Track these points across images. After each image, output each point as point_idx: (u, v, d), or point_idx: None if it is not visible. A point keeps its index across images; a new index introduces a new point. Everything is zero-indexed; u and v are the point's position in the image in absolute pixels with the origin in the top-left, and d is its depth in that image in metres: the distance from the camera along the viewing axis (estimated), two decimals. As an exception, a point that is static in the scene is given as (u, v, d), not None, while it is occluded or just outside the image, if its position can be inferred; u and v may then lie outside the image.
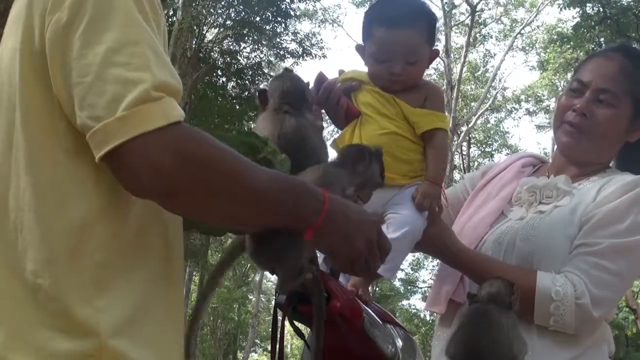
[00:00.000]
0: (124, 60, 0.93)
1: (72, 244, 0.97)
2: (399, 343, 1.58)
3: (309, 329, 1.60)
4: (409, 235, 1.57)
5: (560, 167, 1.77)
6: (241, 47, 16.12)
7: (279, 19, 15.02)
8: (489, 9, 23.42)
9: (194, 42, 14.17)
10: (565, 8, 14.51)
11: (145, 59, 0.94)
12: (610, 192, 1.60)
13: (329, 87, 1.66)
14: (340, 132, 1.71)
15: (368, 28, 1.66)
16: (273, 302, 1.58)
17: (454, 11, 23.00)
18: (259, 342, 31.47)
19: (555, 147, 1.88)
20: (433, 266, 24.02)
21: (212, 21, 15.19)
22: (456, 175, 20.41)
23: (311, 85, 1.58)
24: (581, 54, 14.90)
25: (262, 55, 16.21)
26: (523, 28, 22.70)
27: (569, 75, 19.24)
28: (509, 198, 1.78)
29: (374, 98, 1.64)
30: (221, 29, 15.46)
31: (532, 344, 1.45)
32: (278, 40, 15.89)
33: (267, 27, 15.28)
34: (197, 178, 0.96)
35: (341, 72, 1.75)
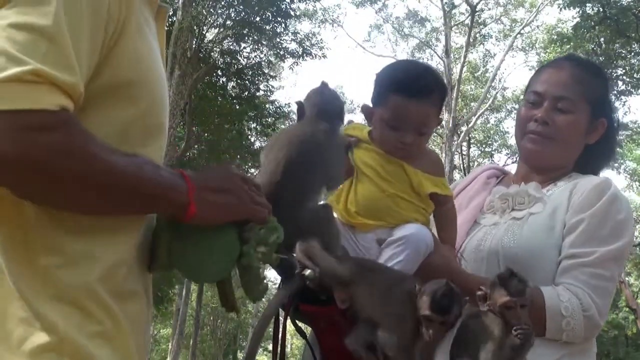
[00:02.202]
0: (21, 39, 0.92)
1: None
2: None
3: (310, 329, 1.60)
4: (416, 235, 1.58)
5: (524, 175, 1.86)
6: (241, 47, 16.12)
7: (279, 19, 15.02)
8: (489, 9, 23.44)
9: (194, 42, 14.16)
10: (565, 8, 14.53)
11: (39, 46, 0.92)
12: (585, 197, 1.68)
13: None
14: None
15: (383, 93, 1.64)
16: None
17: (454, 11, 23.01)
18: (258, 342, 31.44)
19: (518, 157, 1.97)
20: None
21: (212, 21, 15.18)
22: (456, 175, 20.41)
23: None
24: (581, 54, 14.89)
25: (262, 55, 16.23)
26: (523, 28, 22.70)
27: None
28: (480, 207, 1.87)
29: (374, 159, 1.65)
30: (221, 29, 15.45)
31: None
32: (278, 40, 15.89)
33: (267, 27, 15.27)
34: (48, 169, 0.93)
35: (350, 122, 1.77)
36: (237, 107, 15.91)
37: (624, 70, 15.84)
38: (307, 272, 1.44)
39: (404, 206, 1.62)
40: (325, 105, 1.62)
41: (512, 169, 2.06)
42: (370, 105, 1.69)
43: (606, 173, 1.99)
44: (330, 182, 1.60)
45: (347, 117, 1.72)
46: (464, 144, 22.54)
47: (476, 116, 21.96)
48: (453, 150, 21.50)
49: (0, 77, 0.89)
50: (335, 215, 1.63)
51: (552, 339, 1.58)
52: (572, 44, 15.90)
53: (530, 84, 1.89)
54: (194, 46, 14.03)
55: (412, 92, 1.58)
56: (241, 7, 14.76)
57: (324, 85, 1.67)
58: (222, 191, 1.12)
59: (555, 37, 17.89)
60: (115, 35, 1.03)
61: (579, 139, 1.80)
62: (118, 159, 0.99)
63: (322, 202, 1.63)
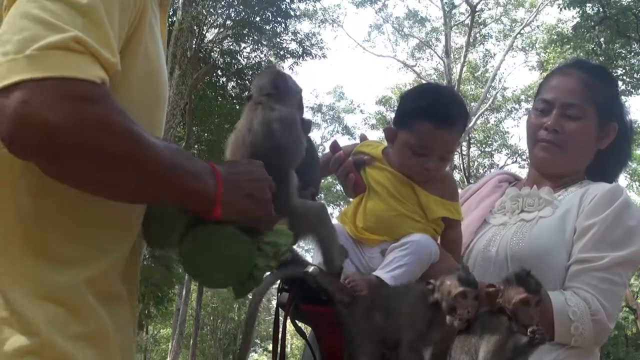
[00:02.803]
0: (57, 10, 0.89)
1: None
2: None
3: (310, 329, 1.61)
4: (420, 241, 1.58)
5: (536, 181, 1.86)
6: (241, 47, 16.13)
7: (279, 19, 15.02)
8: (489, 9, 23.44)
9: (194, 42, 14.16)
10: (565, 8, 14.53)
11: (76, 17, 0.89)
12: (596, 202, 1.68)
13: (340, 160, 1.72)
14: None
15: (410, 118, 1.63)
16: (274, 302, 1.58)
17: (454, 11, 23.02)
18: (259, 342, 31.47)
19: (529, 163, 1.97)
20: (433, 266, 23.91)
21: (212, 21, 15.18)
22: (456, 175, 20.41)
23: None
24: (581, 54, 14.89)
25: (262, 55, 16.23)
26: (523, 28, 22.70)
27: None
28: (490, 207, 1.88)
29: (387, 178, 1.66)
30: (221, 29, 15.46)
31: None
32: (278, 40, 15.89)
33: (267, 27, 15.28)
34: (88, 142, 0.88)
35: (363, 137, 1.80)
36: (237, 107, 15.91)
37: (624, 70, 15.83)
38: (310, 269, 1.45)
39: (412, 225, 1.62)
40: (263, 83, 1.59)
41: (517, 171, 2.07)
42: (392, 126, 1.69)
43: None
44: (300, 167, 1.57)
45: (346, 117, 1.73)
46: (464, 144, 22.53)
47: (476, 116, 21.95)
48: (453, 150, 21.50)
49: (43, 44, 0.86)
50: (344, 230, 1.65)
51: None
52: (572, 44, 15.90)
53: (539, 91, 1.90)
54: (194, 46, 14.03)
55: (442, 121, 1.58)
56: (241, 7, 14.76)
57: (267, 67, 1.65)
58: (249, 196, 1.10)
59: (555, 37, 17.88)
60: (132, 27, 1.02)
61: (590, 144, 1.81)
62: (156, 141, 0.96)
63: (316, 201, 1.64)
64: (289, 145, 1.49)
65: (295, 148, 1.50)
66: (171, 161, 0.98)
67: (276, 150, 1.45)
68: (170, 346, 21.04)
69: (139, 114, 1.00)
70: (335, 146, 1.76)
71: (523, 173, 2.07)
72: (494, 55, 24.20)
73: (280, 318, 1.61)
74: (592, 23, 14.23)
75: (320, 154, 1.74)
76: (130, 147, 0.92)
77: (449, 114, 1.60)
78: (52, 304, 0.95)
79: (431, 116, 1.58)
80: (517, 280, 1.38)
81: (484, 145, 24.96)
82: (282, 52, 16.22)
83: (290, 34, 16.11)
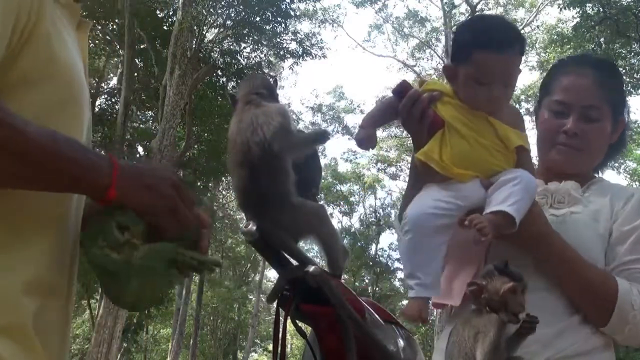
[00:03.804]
0: None
1: None
2: (400, 342, 1.58)
3: (310, 329, 1.61)
4: (526, 175, 1.58)
5: (545, 177, 1.84)
6: (241, 47, 16.13)
7: (279, 19, 15.02)
8: (489, 9, 23.44)
9: (194, 42, 14.16)
10: (565, 8, 14.53)
11: None
12: (632, 208, 1.70)
13: (414, 96, 1.63)
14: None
15: (467, 50, 1.62)
16: (274, 302, 1.58)
17: (454, 11, 23.03)
18: (259, 342, 31.49)
19: (539, 159, 1.94)
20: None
21: (212, 21, 15.18)
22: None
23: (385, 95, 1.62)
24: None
25: (262, 55, 16.24)
26: (523, 28, 22.70)
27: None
28: None
29: (461, 113, 1.63)
30: (221, 29, 15.46)
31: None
32: (278, 40, 15.90)
33: (267, 27, 15.28)
34: None
35: (422, 81, 1.74)
36: (237, 107, 15.91)
37: (624, 70, 15.83)
38: (311, 269, 1.45)
39: (497, 157, 1.61)
40: (252, 84, 1.66)
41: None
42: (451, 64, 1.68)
43: (606, 173, 2.00)
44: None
45: (346, 117, 1.73)
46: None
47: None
48: (453, 150, 21.51)
49: None
50: (431, 165, 1.59)
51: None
52: (572, 44, 15.91)
53: (549, 90, 1.86)
54: (194, 46, 14.04)
55: (498, 46, 1.59)
56: (241, 7, 14.77)
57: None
58: (147, 187, 1.07)
59: (555, 37, 17.90)
60: (26, 29, 1.01)
61: (606, 143, 1.82)
62: (30, 127, 0.95)
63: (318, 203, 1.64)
64: (278, 133, 1.53)
65: (285, 135, 1.54)
66: (51, 144, 0.97)
67: (266, 142, 1.50)
68: (170, 346, 21.05)
69: (46, 115, 1.01)
70: (405, 85, 1.66)
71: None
72: (494, 55, 24.19)
73: (281, 318, 1.61)
74: (592, 23, 14.23)
75: (320, 154, 1.74)
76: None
77: (504, 37, 1.61)
78: None
79: (488, 43, 1.59)
80: (499, 272, 1.39)
81: (484, 145, 24.94)
82: (282, 52, 16.23)
83: (290, 34, 16.13)
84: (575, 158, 1.78)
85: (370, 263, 27.84)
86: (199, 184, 17.31)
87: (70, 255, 1.12)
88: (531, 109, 24.46)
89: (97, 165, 1.02)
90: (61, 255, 1.09)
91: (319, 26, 21.10)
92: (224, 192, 22.37)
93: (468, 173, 1.58)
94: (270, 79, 1.72)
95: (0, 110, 0.92)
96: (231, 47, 15.93)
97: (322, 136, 1.71)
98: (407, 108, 1.63)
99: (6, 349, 0.96)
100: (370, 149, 1.69)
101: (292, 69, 17.46)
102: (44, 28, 1.04)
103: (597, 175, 1.87)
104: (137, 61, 15.50)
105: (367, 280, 28.36)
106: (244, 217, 1.65)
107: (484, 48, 1.59)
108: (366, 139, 1.65)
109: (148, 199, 1.07)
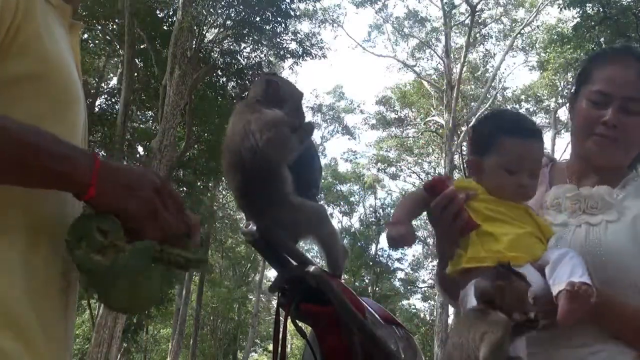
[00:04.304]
0: None
1: None
2: (400, 343, 1.58)
3: (310, 329, 1.61)
4: (572, 251, 1.55)
5: (580, 173, 1.81)
6: (241, 47, 16.13)
7: (279, 19, 15.02)
8: (489, 9, 23.47)
9: (194, 42, 14.16)
10: (565, 8, 14.52)
11: None
12: None
13: (450, 195, 1.58)
14: None
15: (493, 138, 1.63)
16: (274, 302, 1.59)
17: (454, 11, 23.03)
18: (259, 342, 31.51)
19: (571, 153, 1.90)
20: (433, 266, 24.00)
21: (212, 21, 15.18)
22: (456, 175, 20.42)
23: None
24: (581, 54, 14.89)
25: (262, 55, 16.23)
26: (523, 28, 22.72)
27: (569, 75, 19.24)
28: (540, 201, 1.78)
29: (498, 205, 1.60)
30: (221, 29, 15.46)
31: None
32: (278, 40, 15.89)
33: (267, 27, 15.28)
34: None
35: (446, 177, 1.72)
36: (237, 107, 15.91)
37: (624, 70, 15.81)
38: (311, 268, 1.45)
39: (539, 246, 1.58)
40: (255, 89, 1.65)
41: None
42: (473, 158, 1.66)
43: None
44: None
45: (346, 117, 1.72)
46: (464, 143, 22.54)
47: (476, 116, 21.96)
48: (453, 150, 21.54)
49: None
50: (484, 265, 1.50)
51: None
52: (572, 44, 15.90)
53: (589, 79, 1.81)
54: (194, 46, 14.04)
55: (525, 132, 1.63)
56: (241, 7, 14.77)
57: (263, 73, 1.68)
58: (127, 187, 1.05)
59: (556, 37, 17.89)
60: (13, 27, 1.01)
61: None
62: (7, 121, 0.95)
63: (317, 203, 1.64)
64: (270, 144, 1.52)
65: (277, 146, 1.53)
66: (29, 138, 0.97)
67: (257, 150, 1.50)
68: (170, 346, 21.06)
69: (39, 114, 1.02)
70: (439, 182, 1.61)
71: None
72: (494, 55, 24.26)
73: (281, 318, 1.61)
74: (592, 23, 14.22)
75: (320, 154, 1.73)
76: None
77: (530, 125, 1.68)
78: None
79: (516, 130, 1.63)
80: (509, 276, 1.39)
81: (484, 145, 24.93)
82: (282, 52, 16.23)
83: (290, 34, 16.13)
84: (611, 150, 1.74)
85: (370, 263, 27.86)
86: (199, 184, 17.32)
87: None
88: (531, 109, 24.49)
89: (78, 162, 1.01)
90: (62, 255, 1.09)
91: (319, 26, 21.11)
92: (224, 192, 22.37)
93: (523, 256, 1.53)
94: (279, 82, 1.69)
95: None
96: (231, 47, 15.93)
97: (308, 131, 1.69)
98: (440, 207, 1.58)
99: (8, 346, 0.97)
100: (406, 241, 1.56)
101: (292, 69, 17.46)
102: (35, 28, 1.04)
103: (634, 171, 1.82)
104: (137, 61, 15.49)
105: (367, 280, 28.37)
106: (244, 217, 1.65)
107: (512, 134, 1.61)
108: (404, 236, 1.55)
109: (127, 200, 1.05)
